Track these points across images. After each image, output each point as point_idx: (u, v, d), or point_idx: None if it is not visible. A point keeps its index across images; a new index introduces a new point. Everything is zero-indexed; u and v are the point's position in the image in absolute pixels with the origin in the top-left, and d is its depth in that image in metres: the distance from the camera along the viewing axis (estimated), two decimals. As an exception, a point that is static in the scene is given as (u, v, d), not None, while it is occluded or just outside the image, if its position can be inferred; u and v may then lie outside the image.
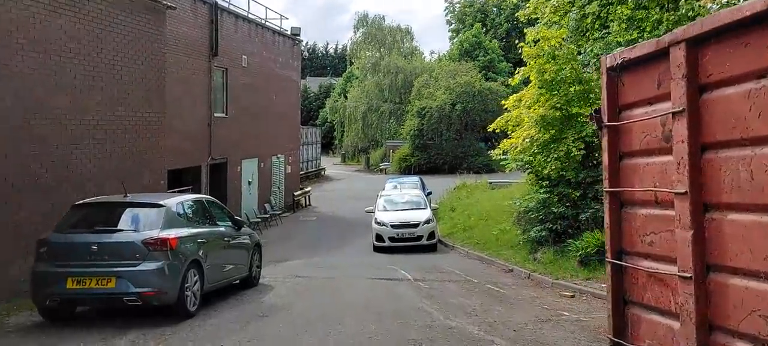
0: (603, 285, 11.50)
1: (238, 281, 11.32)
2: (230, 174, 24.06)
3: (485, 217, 20.53)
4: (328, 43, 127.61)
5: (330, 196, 36.72)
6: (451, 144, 46.18)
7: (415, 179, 27.16)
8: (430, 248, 18.34)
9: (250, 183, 25.97)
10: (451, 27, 66.78)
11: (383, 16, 59.11)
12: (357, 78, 61.62)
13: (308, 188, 33.99)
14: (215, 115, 22.69)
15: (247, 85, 25.44)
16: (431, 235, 18.38)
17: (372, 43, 58.83)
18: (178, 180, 21.07)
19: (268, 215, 26.31)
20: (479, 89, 45.53)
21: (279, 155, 29.38)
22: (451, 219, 22.51)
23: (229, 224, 11.10)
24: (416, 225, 18.27)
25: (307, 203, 32.83)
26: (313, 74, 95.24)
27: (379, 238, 18.43)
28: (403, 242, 18.11)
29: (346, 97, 61.03)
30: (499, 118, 16.54)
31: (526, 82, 16.62)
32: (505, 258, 15.31)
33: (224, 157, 23.52)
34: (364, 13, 72.79)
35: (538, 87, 15.28)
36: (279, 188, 29.47)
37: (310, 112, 79.14)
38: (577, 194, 14.51)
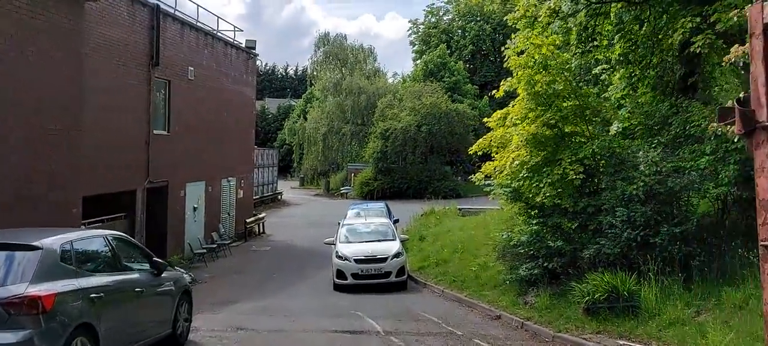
0: (620, 342, 9.32)
1: (154, 343, 8.67)
2: (172, 199, 21.25)
3: (460, 249, 18.25)
4: (287, 65, 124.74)
5: (287, 223, 34.01)
6: (417, 168, 44.04)
7: (381, 205, 24.76)
8: (400, 286, 15.94)
9: (195, 209, 23.17)
10: (415, 48, 65.10)
11: (345, 35, 57.08)
12: (317, 99, 59.21)
13: (262, 214, 31.25)
14: (155, 132, 19.95)
15: (194, 100, 22.77)
16: (401, 271, 15.99)
17: (333, 63, 56.59)
18: (108, 206, 18.23)
19: (215, 245, 23.51)
20: (445, 111, 43.64)
21: (230, 178, 26.65)
22: (420, 251, 20.17)
23: (146, 267, 8.52)
24: (384, 259, 15.86)
25: (261, 230, 30.07)
26: (272, 96, 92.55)
27: (340, 274, 15.94)
28: (369, 280, 15.67)
29: (305, 119, 58.48)
30: (481, 139, 14.41)
31: (510, 96, 14.58)
32: (490, 301, 13.01)
33: (165, 180, 20.73)
34: (325, 32, 70.33)
35: (528, 101, 13.20)
36: (229, 214, 26.70)
37: (268, 134, 76.27)
38: (574, 226, 12.38)
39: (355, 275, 15.72)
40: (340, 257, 16.15)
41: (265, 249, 25.60)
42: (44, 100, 11.46)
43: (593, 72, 17.18)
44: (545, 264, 12.25)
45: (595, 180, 12.64)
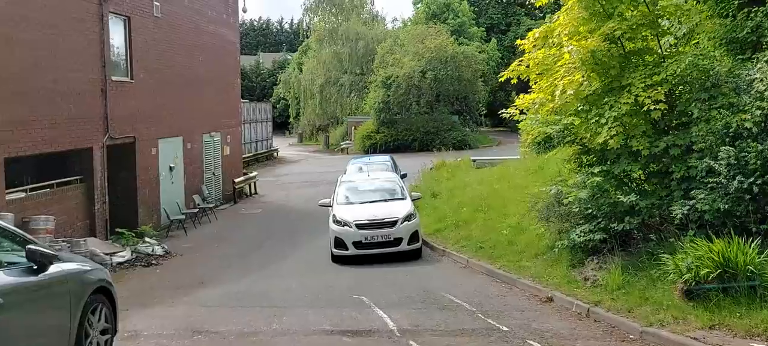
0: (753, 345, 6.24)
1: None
2: (142, 159, 18.08)
3: (483, 206, 15.12)
4: (282, 18, 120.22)
5: (282, 182, 30.91)
6: (422, 118, 40.61)
7: (386, 158, 21.50)
8: (413, 256, 12.87)
9: (171, 169, 20.01)
10: (415, -9, 60.97)
11: (339, -23, 52.52)
12: (313, 50, 55.37)
13: (253, 173, 28.08)
14: (114, 78, 16.65)
15: (164, 42, 19.36)
16: (414, 236, 12.86)
17: (328, 8, 52.59)
18: (58, 170, 15.11)
19: (196, 210, 20.44)
20: (452, 54, 39.96)
21: (213, 133, 23.41)
22: (434, 210, 17.05)
23: (19, 259, 5.36)
24: (392, 223, 12.73)
25: (253, 191, 26.98)
26: (267, 50, 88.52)
27: (339, 243, 12.84)
28: (375, 249, 12.58)
29: (301, 71, 54.79)
30: (515, 63, 11.05)
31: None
32: (535, 276, 9.91)
33: (131, 136, 17.53)
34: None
35: (579, 9, 9.87)
36: (214, 174, 23.55)
37: (263, 90, 72.68)
38: (651, 174, 9.23)
39: (357, 244, 12.62)
40: (338, 223, 13.02)
41: (256, 212, 22.55)
42: None
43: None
44: (611, 226, 9.10)
45: (675, 112, 9.41)
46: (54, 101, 14.15)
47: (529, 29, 49.42)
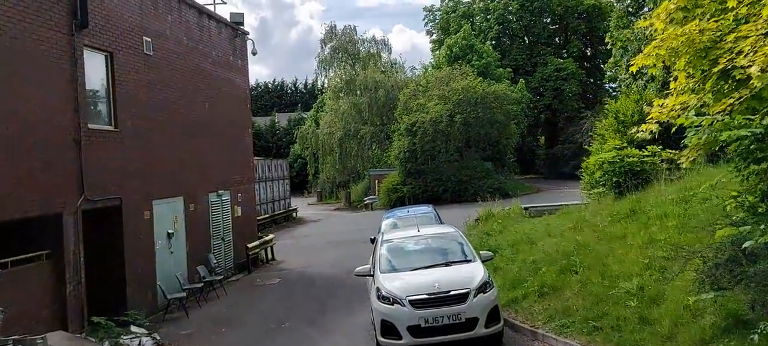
0: None
1: None
2: (131, 224, 14.65)
3: (573, 266, 11.33)
4: (296, 79, 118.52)
5: (302, 245, 27.33)
6: (452, 167, 37.07)
7: (427, 209, 17.78)
8: (492, 343, 9.10)
9: (170, 236, 16.54)
10: (432, 38, 58.66)
11: (354, 27, 50.24)
12: (329, 103, 52.48)
13: (270, 236, 24.52)
14: (91, 126, 13.39)
15: (157, 84, 16.21)
16: (493, 315, 9.12)
17: (343, 59, 49.95)
18: (16, 241, 11.71)
19: (201, 284, 16.85)
20: (482, 94, 36.66)
21: (221, 191, 20.03)
22: (498, 271, 13.31)
23: None
24: (462, 298, 9.03)
25: (270, 257, 23.39)
26: (282, 110, 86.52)
27: (388, 329, 9.12)
28: (440, 337, 8.87)
29: (318, 126, 51.83)
30: (652, 45, 7.44)
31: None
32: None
33: (116, 198, 14.15)
34: (331, 24, 63.58)
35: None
36: (224, 239, 20.04)
37: (280, 149, 70.09)
38: None
39: (414, 330, 8.90)
40: (384, 299, 9.32)
41: (273, 283, 18.89)
42: None
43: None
44: None
45: None
46: (10, 154, 10.86)
47: (557, 68, 46.39)
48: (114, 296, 13.92)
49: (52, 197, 12.01)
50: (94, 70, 13.85)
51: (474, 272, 9.52)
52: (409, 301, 9.03)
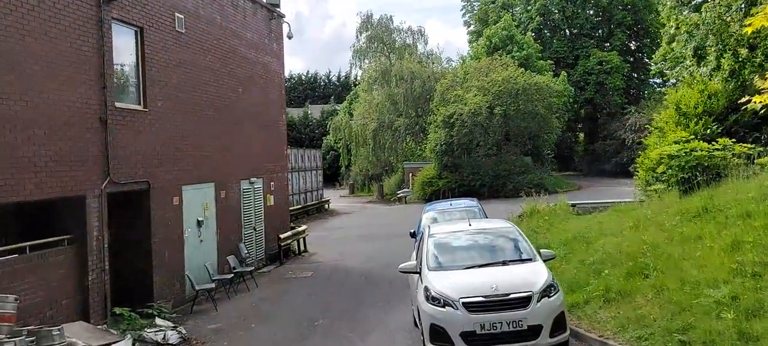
0: None
1: None
2: (159, 211, 13.87)
3: (643, 268, 10.10)
4: (330, 71, 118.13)
5: (335, 237, 26.44)
6: (491, 161, 35.74)
7: (472, 203, 16.61)
8: (558, 355, 7.99)
9: (200, 224, 15.75)
10: (470, 29, 57.12)
11: (390, 16, 48.95)
12: (363, 95, 51.50)
13: (303, 227, 23.65)
14: (119, 105, 12.62)
15: (188, 64, 15.41)
16: (559, 323, 8.00)
17: (379, 49, 48.86)
18: (37, 225, 11.01)
19: (231, 275, 16.04)
20: (523, 86, 35.19)
21: (254, 179, 19.20)
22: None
23: None
24: (524, 302, 7.92)
25: (303, 248, 22.53)
26: (315, 102, 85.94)
27: (438, 335, 8.05)
28: (497, 345, 7.77)
29: (352, 117, 50.87)
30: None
31: None
32: None
33: (144, 182, 13.38)
34: (368, 13, 62.06)
35: None
36: (256, 229, 19.21)
37: (312, 141, 69.43)
38: None
39: (468, 337, 7.82)
40: (434, 300, 8.25)
41: (306, 276, 17.99)
42: None
43: None
44: None
45: None
46: (30, 133, 10.11)
47: (601, 62, 44.53)
48: (139, 285, 13.19)
49: (75, 177, 11.25)
50: (124, 45, 13.08)
51: (537, 273, 8.40)
52: (463, 304, 7.95)
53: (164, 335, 11.05)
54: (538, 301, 7.91)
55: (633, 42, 54.73)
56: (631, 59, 54.31)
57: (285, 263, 20.29)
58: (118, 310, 11.47)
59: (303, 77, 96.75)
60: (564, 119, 43.35)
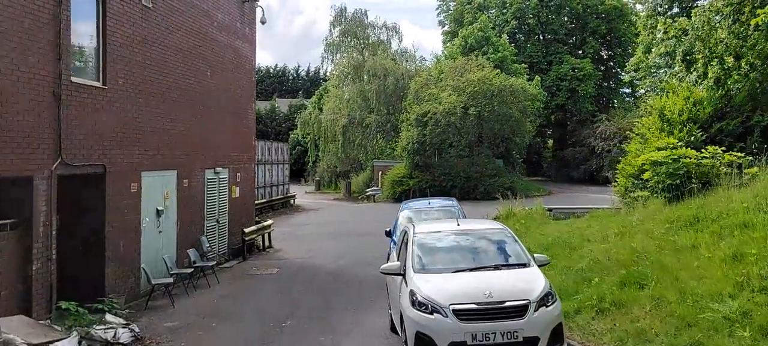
0: None
1: None
2: (114, 197, 12.75)
3: (638, 277, 9.49)
4: (299, 66, 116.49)
5: (301, 233, 25.48)
6: (463, 162, 35.21)
7: (451, 203, 15.90)
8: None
9: (160, 214, 14.66)
10: (445, 29, 56.65)
11: (365, 11, 47.78)
12: (334, 90, 50.46)
13: (269, 222, 22.63)
14: (74, 79, 11.49)
15: (154, 42, 14.31)
16: (556, 335, 7.31)
17: (352, 44, 47.95)
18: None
19: (191, 270, 15.00)
20: (498, 88, 34.75)
21: (219, 169, 18.14)
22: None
23: None
24: (520, 311, 7.21)
25: (267, 243, 21.54)
26: (283, 96, 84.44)
27: (424, 343, 7.27)
28: (491, 359, 7.05)
29: (321, 111, 49.76)
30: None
31: None
32: None
33: (99, 165, 12.26)
34: (342, 7, 60.84)
35: None
36: (219, 221, 18.15)
37: (279, 135, 68.00)
38: None
39: (458, 349, 7.07)
40: (420, 306, 7.47)
41: (271, 272, 17.04)
42: None
43: None
44: None
45: None
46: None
47: (574, 68, 44.80)
48: (89, 278, 12.06)
49: (22, 156, 10.13)
50: (83, 15, 11.95)
51: (533, 280, 7.69)
52: (454, 311, 7.19)
53: (115, 333, 10.01)
54: (535, 310, 7.21)
55: (605, 51, 55.05)
56: (603, 68, 54.61)
57: (249, 258, 19.30)
58: (64, 304, 10.37)
59: (271, 70, 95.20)
60: (536, 124, 43.21)
